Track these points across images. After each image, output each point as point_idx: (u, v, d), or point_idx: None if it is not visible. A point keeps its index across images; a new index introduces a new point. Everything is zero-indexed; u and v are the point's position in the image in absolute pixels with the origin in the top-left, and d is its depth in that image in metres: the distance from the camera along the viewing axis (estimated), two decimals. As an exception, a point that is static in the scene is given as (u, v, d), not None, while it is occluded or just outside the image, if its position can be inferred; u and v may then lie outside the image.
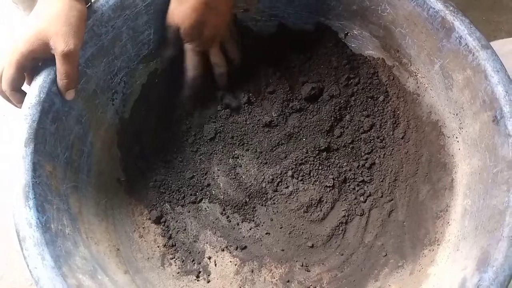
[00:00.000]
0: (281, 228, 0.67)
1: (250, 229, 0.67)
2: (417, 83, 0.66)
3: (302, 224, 0.67)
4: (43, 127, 0.53)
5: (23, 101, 0.54)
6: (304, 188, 0.68)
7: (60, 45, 0.52)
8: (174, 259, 0.65)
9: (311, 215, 0.67)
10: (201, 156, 0.71)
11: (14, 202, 0.48)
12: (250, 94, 0.72)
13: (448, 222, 0.59)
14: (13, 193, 0.49)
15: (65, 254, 0.49)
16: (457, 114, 0.60)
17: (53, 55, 0.53)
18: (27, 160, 0.50)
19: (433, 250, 0.59)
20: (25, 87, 0.56)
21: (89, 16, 0.58)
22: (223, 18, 0.66)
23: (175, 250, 0.66)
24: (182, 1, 0.62)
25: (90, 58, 0.60)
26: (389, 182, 0.67)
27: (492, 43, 0.73)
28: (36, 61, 0.54)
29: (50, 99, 0.54)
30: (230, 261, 0.65)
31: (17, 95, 0.55)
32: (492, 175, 0.51)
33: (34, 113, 0.52)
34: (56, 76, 0.54)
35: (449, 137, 0.62)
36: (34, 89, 0.53)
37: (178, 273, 0.64)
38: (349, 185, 0.68)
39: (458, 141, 0.60)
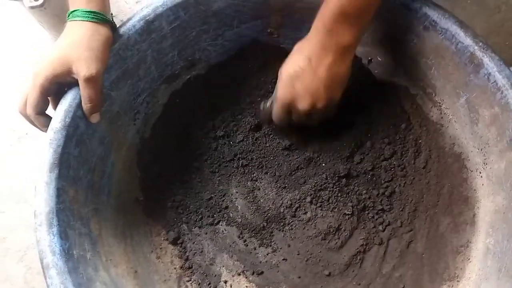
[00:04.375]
0: (298, 254, 0.66)
1: (267, 254, 0.67)
2: (441, 113, 0.65)
3: (320, 252, 0.66)
4: (68, 152, 0.54)
5: (47, 124, 0.54)
6: (322, 215, 0.68)
7: (82, 70, 0.52)
8: (191, 282, 0.65)
9: (329, 242, 0.67)
10: (219, 177, 0.71)
11: (37, 229, 0.49)
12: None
13: (469, 259, 0.58)
14: (36, 219, 0.49)
15: (86, 281, 0.50)
16: (481, 149, 0.59)
17: (77, 80, 0.54)
18: (51, 186, 0.50)
19: (452, 286, 0.58)
20: (49, 111, 0.56)
21: (116, 40, 0.58)
22: (333, 100, 0.63)
23: (191, 272, 0.66)
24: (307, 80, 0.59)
25: (115, 81, 0.60)
26: (409, 212, 0.67)
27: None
28: (59, 85, 0.55)
29: (75, 123, 0.55)
30: (246, 286, 0.65)
31: (42, 118, 0.55)
32: (518, 217, 0.51)
33: (59, 137, 0.53)
34: (81, 100, 0.55)
35: (472, 171, 0.61)
36: (60, 114, 0.54)
37: (194, 296, 0.64)
38: (368, 213, 0.68)
39: (481, 177, 0.59)
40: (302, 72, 0.59)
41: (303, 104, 0.61)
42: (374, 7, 0.56)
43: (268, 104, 0.67)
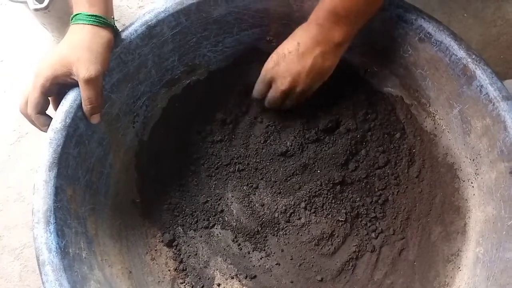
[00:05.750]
0: (291, 259, 0.67)
1: (260, 259, 0.68)
2: (434, 123, 0.66)
3: (313, 257, 0.67)
4: (67, 152, 0.54)
5: (47, 124, 0.55)
6: (316, 221, 0.69)
7: (81, 71, 0.53)
8: (184, 284, 0.66)
9: (322, 248, 0.67)
10: (216, 181, 0.72)
11: (35, 226, 0.50)
12: (270, 123, 0.73)
13: (459, 268, 0.59)
14: (34, 216, 0.50)
15: (81, 279, 0.51)
16: (473, 160, 0.60)
17: (77, 81, 0.55)
18: (50, 185, 0.51)
19: (442, 294, 0.59)
20: (50, 111, 0.57)
21: (117, 44, 0.59)
22: (311, 88, 0.66)
23: (185, 274, 0.66)
24: (295, 60, 0.62)
25: (116, 83, 0.61)
26: (402, 220, 0.68)
27: (508, 81, 0.74)
28: (60, 86, 0.56)
29: (75, 124, 0.56)
30: (239, 290, 0.66)
31: (42, 118, 0.56)
32: (506, 227, 0.52)
33: (59, 137, 0.54)
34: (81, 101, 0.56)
35: (464, 181, 0.62)
36: (60, 114, 0.55)
37: (187, 298, 0.65)
38: (361, 221, 0.69)
39: (473, 186, 0.60)
40: (289, 54, 0.62)
41: (282, 83, 0.64)
42: (366, 13, 0.58)
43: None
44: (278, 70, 0.64)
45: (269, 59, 0.65)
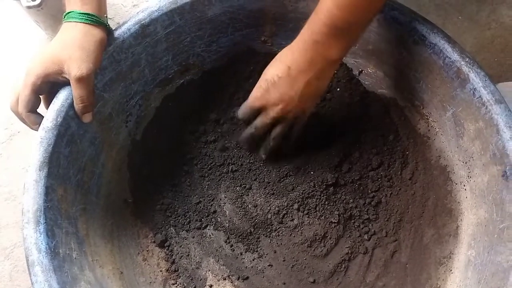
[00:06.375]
0: (284, 261, 0.67)
1: (253, 260, 0.67)
2: (428, 126, 0.67)
3: (305, 259, 0.67)
4: (58, 151, 0.54)
5: (38, 123, 0.55)
6: (309, 222, 0.69)
7: (73, 69, 0.53)
8: (176, 285, 0.65)
9: (314, 250, 0.67)
10: (209, 182, 0.72)
11: (24, 226, 0.49)
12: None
13: (451, 270, 0.59)
14: (24, 216, 0.50)
15: (71, 280, 0.50)
16: (466, 163, 0.60)
17: (69, 80, 0.54)
18: (40, 184, 0.51)
19: (434, 297, 0.59)
20: (41, 109, 0.56)
21: (110, 42, 0.59)
22: (305, 112, 0.63)
23: (177, 275, 0.66)
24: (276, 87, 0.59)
25: (108, 82, 0.61)
26: (394, 222, 0.68)
27: (501, 84, 0.74)
28: (51, 84, 0.55)
29: (67, 123, 0.55)
30: (231, 291, 0.65)
31: (33, 116, 0.56)
32: (498, 230, 0.52)
33: (50, 136, 0.53)
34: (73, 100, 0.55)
35: (456, 183, 0.62)
36: (51, 113, 0.54)
37: (179, 299, 0.64)
38: (354, 222, 0.69)
39: (465, 189, 0.60)
40: (279, 80, 0.58)
41: (273, 110, 0.61)
42: (365, 24, 0.56)
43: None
44: (268, 98, 0.60)
45: (257, 86, 0.61)
